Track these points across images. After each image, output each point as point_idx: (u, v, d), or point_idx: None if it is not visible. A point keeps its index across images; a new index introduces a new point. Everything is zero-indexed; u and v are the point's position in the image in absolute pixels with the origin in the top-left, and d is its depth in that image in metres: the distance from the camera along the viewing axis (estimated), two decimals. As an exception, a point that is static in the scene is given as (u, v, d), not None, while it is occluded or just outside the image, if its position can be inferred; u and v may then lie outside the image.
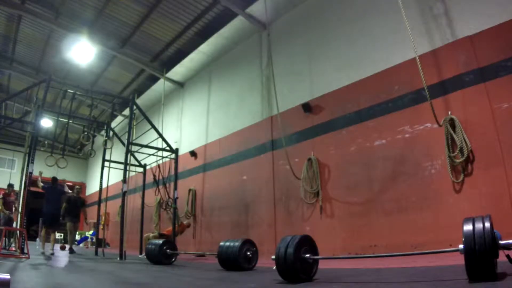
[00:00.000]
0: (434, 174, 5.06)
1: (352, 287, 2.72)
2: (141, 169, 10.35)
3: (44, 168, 8.34)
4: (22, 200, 7.33)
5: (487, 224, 2.04)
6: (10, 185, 9.78)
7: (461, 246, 2.08)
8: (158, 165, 9.53)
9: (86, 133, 9.08)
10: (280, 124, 6.85)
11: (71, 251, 8.80)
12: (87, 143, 9.12)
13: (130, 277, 3.96)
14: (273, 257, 2.92)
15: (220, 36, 9.41)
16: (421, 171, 5.19)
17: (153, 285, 3.19)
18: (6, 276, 1.66)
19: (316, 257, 3.00)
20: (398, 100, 5.68)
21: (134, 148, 9.16)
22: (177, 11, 9.24)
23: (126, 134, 8.40)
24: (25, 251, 6.24)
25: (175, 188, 9.05)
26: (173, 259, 6.08)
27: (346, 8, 6.88)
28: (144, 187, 10.10)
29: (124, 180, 7.72)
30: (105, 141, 9.48)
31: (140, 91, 12.95)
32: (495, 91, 4.58)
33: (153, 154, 9.92)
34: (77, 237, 19.68)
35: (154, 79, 12.30)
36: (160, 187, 9.70)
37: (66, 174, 13.54)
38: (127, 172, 7.99)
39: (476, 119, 4.71)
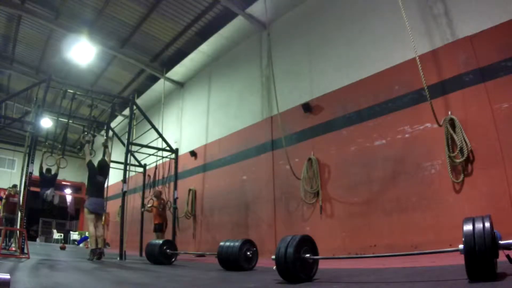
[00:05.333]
0: (434, 174, 5.06)
1: (352, 287, 2.72)
2: (141, 169, 10.36)
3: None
4: (22, 200, 7.33)
5: (487, 224, 2.04)
6: (15, 186, 9.80)
7: (461, 246, 2.08)
8: (156, 166, 9.53)
9: (87, 133, 9.05)
10: (280, 124, 6.85)
11: (96, 254, 6.41)
12: (86, 139, 8.95)
13: (130, 277, 3.96)
14: (273, 257, 2.92)
15: (220, 36, 9.41)
16: (421, 171, 5.19)
17: (153, 285, 3.19)
18: (6, 276, 1.66)
19: (316, 257, 3.00)
20: (398, 100, 5.68)
21: (134, 148, 9.17)
22: (177, 11, 9.24)
23: (126, 134, 8.40)
24: (25, 251, 6.24)
25: (175, 188, 9.05)
26: (173, 259, 6.08)
27: (346, 8, 6.89)
28: (144, 187, 10.11)
29: (124, 180, 7.72)
30: (106, 140, 9.47)
31: (140, 91, 12.96)
32: (495, 91, 4.59)
33: (153, 154, 9.93)
34: (77, 237, 19.72)
35: (154, 79, 12.30)
36: (160, 187, 9.72)
37: (66, 174, 13.56)
38: (127, 172, 7.99)
39: (476, 119, 4.71)
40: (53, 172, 8.54)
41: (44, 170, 8.30)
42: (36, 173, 7.46)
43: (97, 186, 6.90)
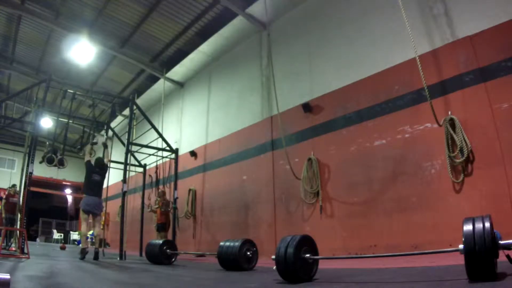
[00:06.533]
0: (434, 174, 5.06)
1: (352, 287, 2.72)
2: (141, 169, 10.35)
3: (44, 168, 8.32)
4: (22, 200, 7.34)
5: (487, 224, 2.04)
6: (14, 186, 9.80)
7: (461, 246, 2.08)
8: (157, 166, 9.52)
9: (89, 132, 9.04)
10: (280, 124, 6.85)
11: (85, 253, 6.52)
12: (94, 141, 8.87)
13: (130, 277, 3.97)
14: (273, 257, 2.92)
15: (220, 36, 9.41)
16: (421, 171, 5.19)
17: (153, 285, 3.19)
18: (6, 276, 1.66)
19: (316, 257, 3.00)
20: (398, 100, 5.68)
21: (134, 148, 9.16)
22: (177, 11, 9.24)
23: (126, 134, 8.40)
24: (25, 251, 6.24)
25: (175, 188, 9.06)
26: (173, 259, 6.08)
27: (346, 8, 6.88)
28: (144, 187, 10.11)
29: (124, 180, 7.72)
30: (106, 140, 9.48)
31: (140, 91, 12.95)
32: (495, 91, 4.58)
33: (153, 154, 9.93)
34: (77, 237, 19.69)
35: (154, 79, 12.30)
36: (161, 186, 9.73)
37: (66, 174, 13.56)
38: (127, 172, 7.99)
39: (476, 119, 4.71)
40: (51, 175, 8.53)
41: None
42: (36, 173, 7.45)
43: (93, 184, 6.89)
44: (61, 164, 8.34)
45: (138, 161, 10.20)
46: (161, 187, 9.70)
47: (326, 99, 6.90)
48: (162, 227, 8.88)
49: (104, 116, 14.12)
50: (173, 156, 9.50)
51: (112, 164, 9.39)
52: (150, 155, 9.99)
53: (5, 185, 12.71)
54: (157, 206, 9.06)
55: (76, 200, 22.13)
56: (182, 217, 9.88)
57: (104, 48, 10.68)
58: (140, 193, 10.28)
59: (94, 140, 8.06)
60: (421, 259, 4.06)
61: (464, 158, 4.65)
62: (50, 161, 8.29)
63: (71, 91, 8.46)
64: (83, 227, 6.70)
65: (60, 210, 23.61)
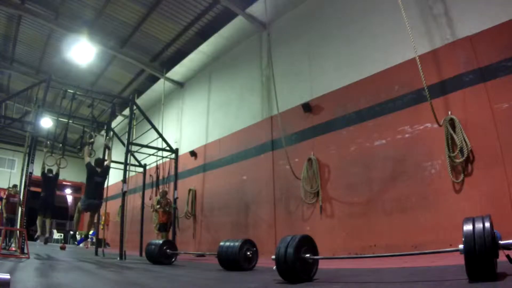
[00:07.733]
0: (434, 174, 5.06)
1: (352, 287, 2.72)
2: (141, 169, 10.34)
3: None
4: (22, 200, 7.33)
5: (487, 224, 2.04)
6: (15, 186, 9.80)
7: (461, 246, 2.08)
8: (157, 166, 9.53)
9: (91, 134, 9.02)
10: (280, 124, 6.85)
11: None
12: (91, 140, 8.86)
13: (130, 277, 3.96)
14: (273, 257, 2.92)
15: (220, 36, 9.41)
16: (421, 171, 5.19)
17: (153, 285, 3.19)
18: (6, 276, 1.66)
19: (316, 257, 3.00)
20: (398, 100, 5.68)
21: (134, 148, 9.15)
22: (177, 11, 9.24)
23: (126, 134, 8.39)
24: (25, 251, 6.23)
25: (175, 188, 9.05)
26: (173, 259, 6.08)
27: (346, 8, 6.89)
28: (144, 187, 10.10)
29: (124, 180, 7.72)
30: (107, 141, 9.46)
31: (140, 91, 12.95)
32: (495, 91, 4.59)
33: (153, 154, 9.92)
34: (77, 236, 19.66)
35: (154, 79, 12.30)
36: (160, 186, 9.72)
37: (66, 174, 13.54)
38: (127, 172, 7.98)
39: (476, 119, 4.71)
40: (54, 172, 8.55)
41: (45, 171, 8.32)
42: (36, 173, 7.45)
43: (94, 187, 6.97)
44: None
45: (138, 161, 10.19)
46: (162, 187, 9.70)
47: (326, 99, 6.90)
48: (163, 227, 8.89)
49: (104, 116, 14.09)
50: (173, 156, 9.50)
51: (112, 164, 9.36)
52: (150, 155, 9.98)
53: (5, 185, 12.70)
54: (159, 206, 9.08)
55: (76, 200, 22.13)
56: (182, 217, 9.88)
57: (104, 48, 10.68)
58: (140, 193, 10.27)
59: (91, 140, 8.03)
60: (421, 259, 4.06)
61: (464, 158, 4.65)
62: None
63: (71, 91, 8.44)
64: (76, 215, 7.25)
65: (60, 210, 23.59)
